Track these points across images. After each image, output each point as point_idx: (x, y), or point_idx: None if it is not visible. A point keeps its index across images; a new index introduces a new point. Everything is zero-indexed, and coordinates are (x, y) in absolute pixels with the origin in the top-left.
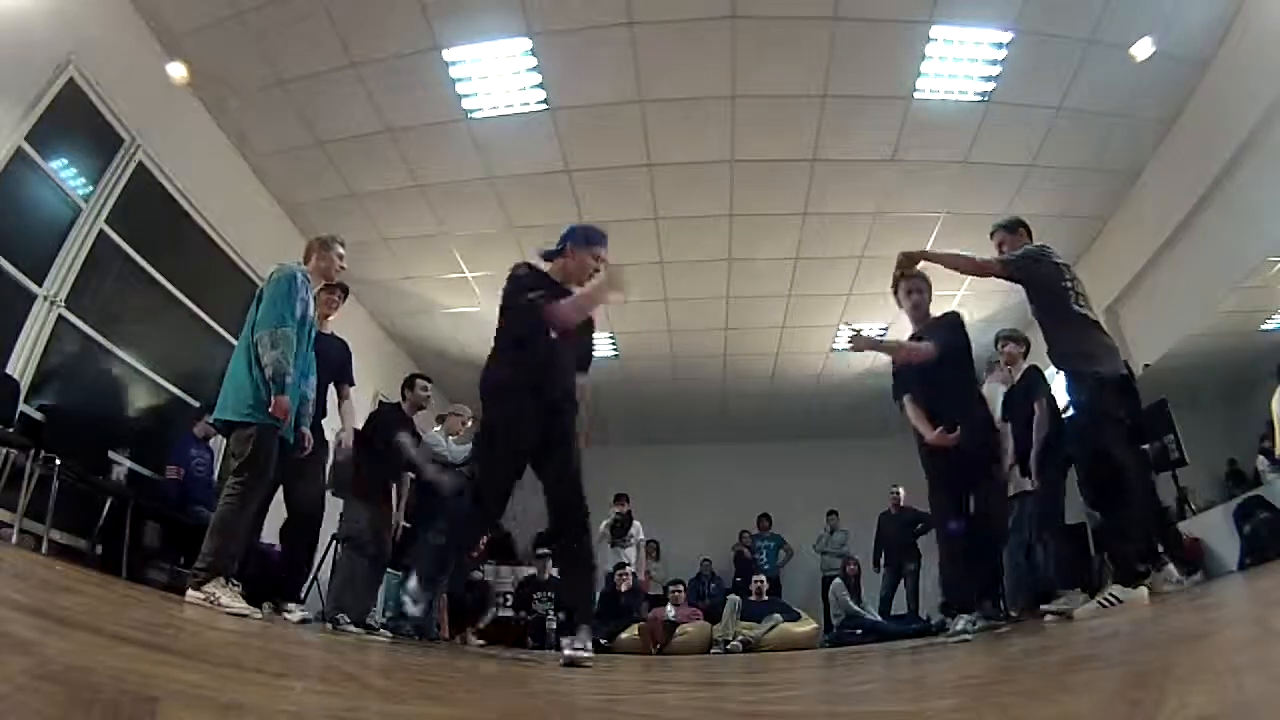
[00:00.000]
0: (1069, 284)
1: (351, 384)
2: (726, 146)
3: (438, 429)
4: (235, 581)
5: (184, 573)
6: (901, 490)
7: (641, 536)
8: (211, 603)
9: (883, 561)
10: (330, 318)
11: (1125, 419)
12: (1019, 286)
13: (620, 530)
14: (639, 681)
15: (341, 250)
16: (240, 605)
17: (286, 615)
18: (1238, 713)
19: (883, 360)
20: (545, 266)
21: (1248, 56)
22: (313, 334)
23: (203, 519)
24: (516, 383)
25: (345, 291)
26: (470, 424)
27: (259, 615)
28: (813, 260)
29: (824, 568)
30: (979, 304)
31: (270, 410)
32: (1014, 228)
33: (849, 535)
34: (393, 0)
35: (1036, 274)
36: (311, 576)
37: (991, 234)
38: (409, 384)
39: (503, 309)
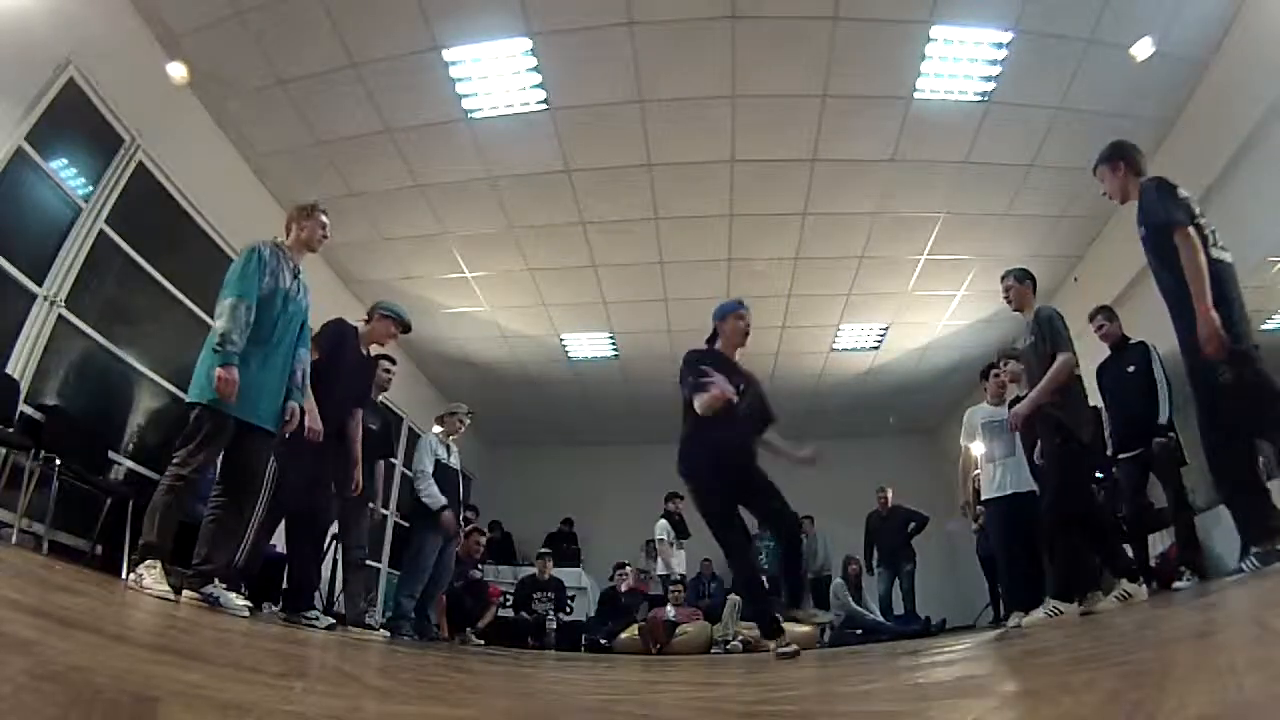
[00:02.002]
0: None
1: (364, 407)
2: (726, 146)
3: (437, 430)
4: (240, 586)
5: (184, 572)
6: (889, 491)
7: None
8: (137, 584)
9: (875, 561)
10: (382, 345)
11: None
12: (1004, 299)
13: (682, 529)
14: (639, 681)
15: (324, 219)
16: (162, 588)
17: (314, 624)
18: (1238, 713)
19: (881, 361)
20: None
21: (1248, 56)
22: (291, 307)
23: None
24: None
25: (406, 327)
26: (469, 421)
27: (175, 599)
28: (813, 260)
29: (812, 570)
30: (979, 304)
31: (215, 384)
32: (1116, 160)
33: (829, 539)
34: (393, 0)
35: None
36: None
37: (1094, 170)
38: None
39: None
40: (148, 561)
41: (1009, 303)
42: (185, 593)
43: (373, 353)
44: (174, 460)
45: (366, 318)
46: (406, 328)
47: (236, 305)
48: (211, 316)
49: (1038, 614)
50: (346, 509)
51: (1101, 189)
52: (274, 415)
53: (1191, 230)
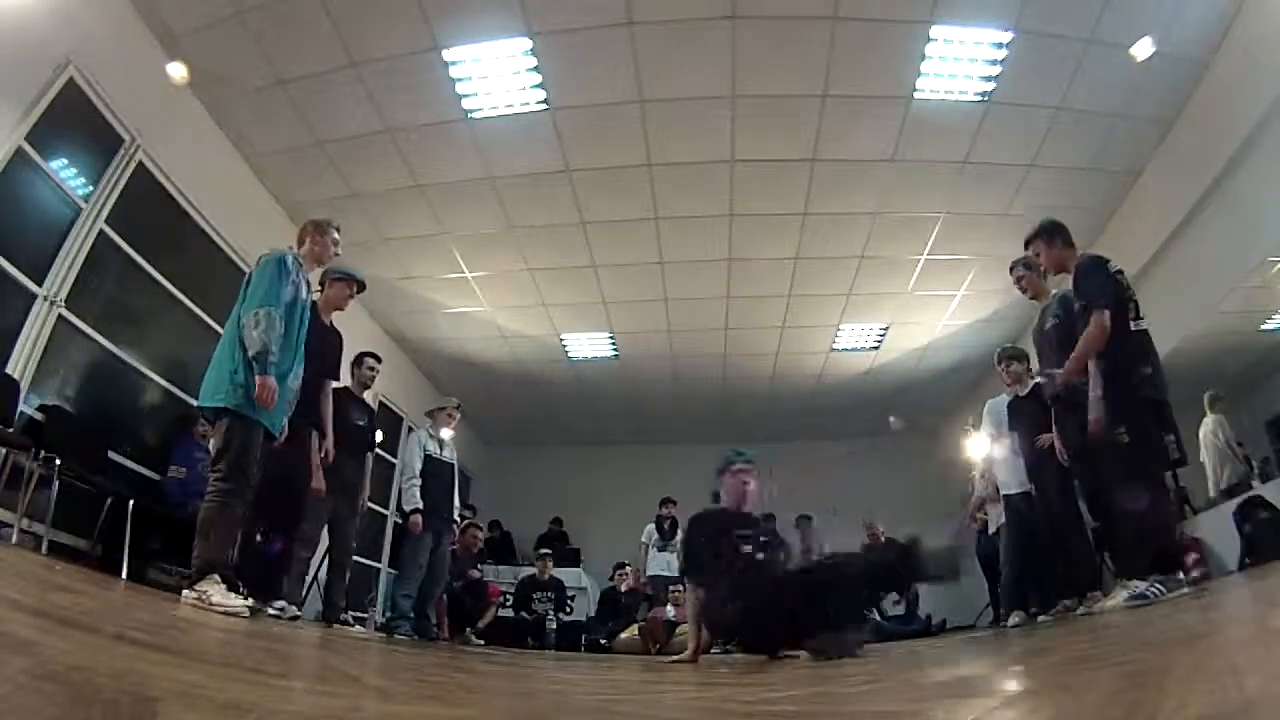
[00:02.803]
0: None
1: (336, 380)
2: (726, 146)
3: (429, 424)
4: (239, 586)
5: (185, 573)
6: (879, 525)
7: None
8: (204, 602)
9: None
10: (341, 310)
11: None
12: (1016, 288)
13: (669, 533)
14: (639, 681)
15: (336, 235)
16: (232, 603)
17: (280, 615)
18: (1238, 713)
19: (881, 361)
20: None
21: (1248, 56)
22: (305, 320)
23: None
24: None
25: (361, 286)
26: (459, 416)
27: (248, 613)
28: (813, 260)
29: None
30: (979, 304)
31: (256, 394)
32: (1052, 235)
33: (822, 545)
34: (393, 0)
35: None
36: (312, 576)
37: (1028, 243)
38: (357, 361)
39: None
40: (210, 577)
41: (1023, 292)
42: (184, 593)
43: (333, 321)
44: (216, 474)
45: (320, 286)
46: (362, 286)
47: (271, 316)
48: (211, 316)
49: (1137, 590)
50: (337, 506)
51: (1038, 261)
52: (276, 422)
53: (1106, 315)
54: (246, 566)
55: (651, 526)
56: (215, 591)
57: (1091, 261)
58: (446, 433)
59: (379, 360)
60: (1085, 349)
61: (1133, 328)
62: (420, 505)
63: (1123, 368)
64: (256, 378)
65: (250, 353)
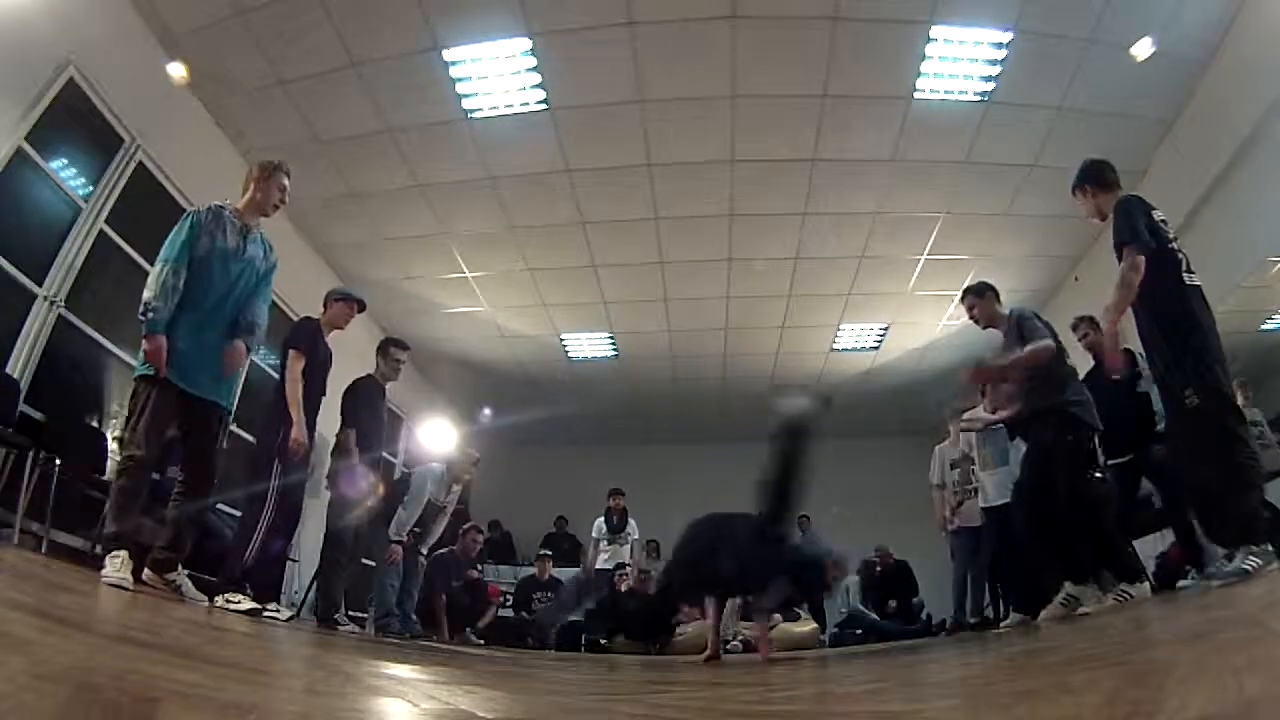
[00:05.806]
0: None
1: (325, 395)
2: (726, 146)
3: (446, 471)
4: (244, 587)
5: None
6: (893, 552)
7: (636, 535)
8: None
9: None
10: (342, 329)
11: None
12: (969, 318)
13: (617, 526)
14: (639, 681)
15: (285, 181)
16: (116, 576)
17: (274, 615)
18: (1238, 713)
19: (881, 361)
20: None
21: (1248, 56)
22: (234, 267)
23: (207, 520)
24: None
25: (362, 306)
26: (477, 468)
27: (130, 588)
28: (813, 260)
29: None
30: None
31: (145, 354)
32: (983, 292)
33: (826, 539)
34: (393, 0)
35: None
36: (313, 576)
37: (962, 298)
38: (383, 350)
39: None
40: (112, 552)
41: (976, 322)
42: (146, 572)
43: (333, 330)
44: (120, 440)
45: (323, 307)
46: (363, 306)
47: (161, 271)
48: None
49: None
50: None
51: (1081, 210)
52: (218, 386)
53: (1138, 253)
54: (258, 572)
55: (600, 520)
56: (110, 565)
57: (1131, 200)
58: (456, 489)
59: (406, 349)
60: (1120, 296)
61: (1187, 282)
62: (403, 538)
63: (1175, 326)
64: (144, 336)
65: (139, 310)
